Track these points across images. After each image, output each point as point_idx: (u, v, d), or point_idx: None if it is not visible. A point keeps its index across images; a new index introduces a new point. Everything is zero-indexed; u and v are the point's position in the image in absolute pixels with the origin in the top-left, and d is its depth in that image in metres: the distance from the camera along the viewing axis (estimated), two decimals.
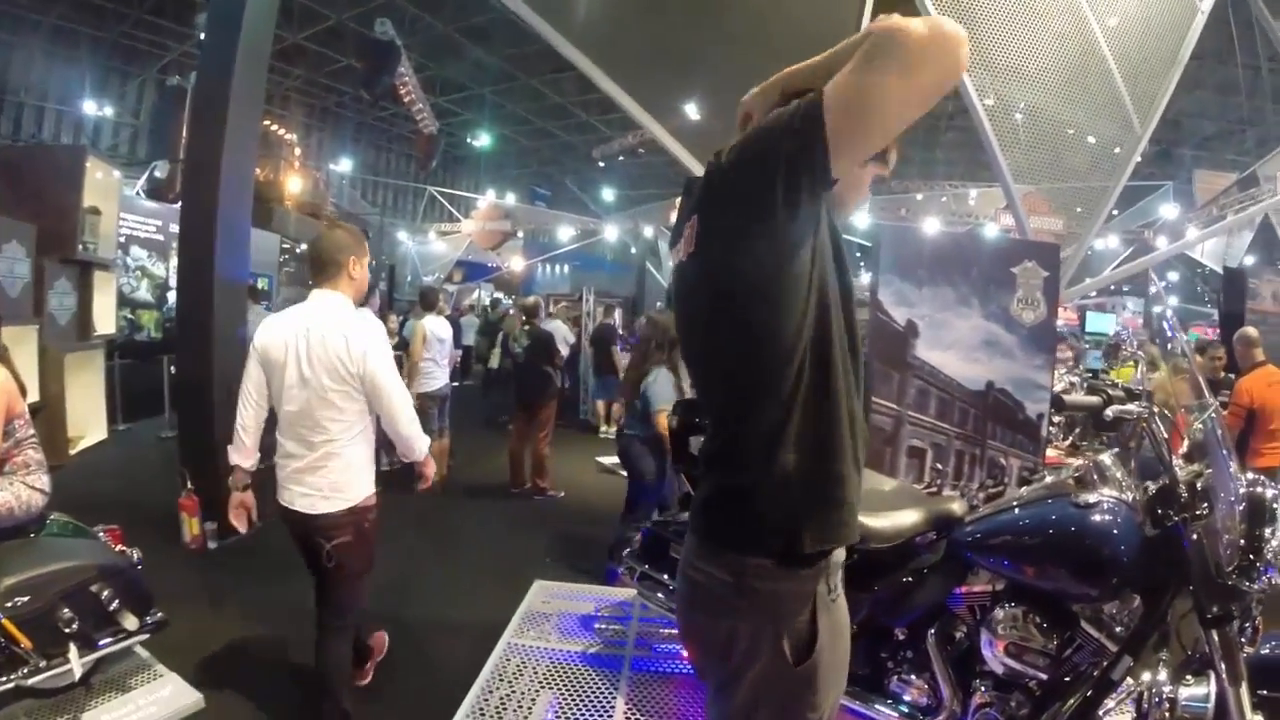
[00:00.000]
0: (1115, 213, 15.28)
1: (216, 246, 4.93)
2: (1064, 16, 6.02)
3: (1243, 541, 2.01)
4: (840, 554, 1.35)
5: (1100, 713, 2.12)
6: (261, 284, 10.72)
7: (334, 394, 2.66)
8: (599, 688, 3.18)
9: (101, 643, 2.89)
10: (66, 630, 2.73)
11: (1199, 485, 2.07)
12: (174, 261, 8.62)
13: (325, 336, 2.64)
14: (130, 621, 2.98)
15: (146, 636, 3.08)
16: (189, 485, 4.86)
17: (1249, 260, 16.08)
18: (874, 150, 1.20)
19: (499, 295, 22.25)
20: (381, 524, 5.42)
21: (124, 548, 3.17)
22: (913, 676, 2.45)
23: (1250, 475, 2.14)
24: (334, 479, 2.74)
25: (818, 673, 1.26)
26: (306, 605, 4.02)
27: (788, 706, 1.29)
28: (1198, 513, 2.03)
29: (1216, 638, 1.97)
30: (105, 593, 2.89)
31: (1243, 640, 2.01)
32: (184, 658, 3.33)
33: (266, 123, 16.02)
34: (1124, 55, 6.27)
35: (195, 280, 5.07)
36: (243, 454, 2.93)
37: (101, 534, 3.18)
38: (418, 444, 2.91)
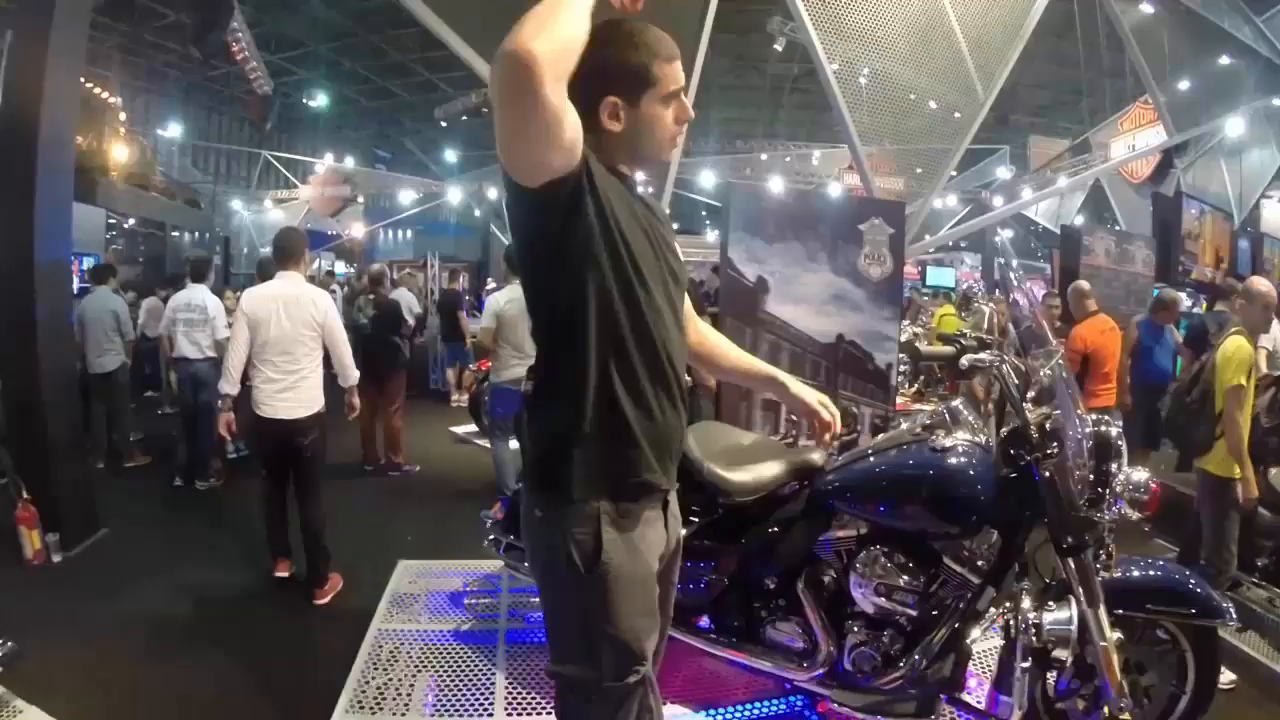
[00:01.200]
0: (954, 174, 16.27)
1: (35, 226, 4.42)
2: None
3: (1092, 477, 2.17)
4: (647, 478, 1.49)
5: (969, 641, 2.26)
6: (87, 264, 9.78)
7: (305, 337, 3.87)
8: (477, 664, 3.15)
9: None
10: None
11: (1048, 426, 2.21)
12: None
13: (299, 299, 3.87)
14: None
15: None
16: (24, 495, 4.39)
17: (1079, 220, 17.50)
18: (539, 158, 1.29)
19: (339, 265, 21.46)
20: (230, 515, 5.09)
21: None
22: (788, 624, 2.53)
23: (1095, 416, 2.31)
24: (307, 394, 3.90)
25: (608, 581, 1.43)
26: (162, 615, 3.78)
27: (587, 611, 1.46)
28: (1048, 452, 2.16)
29: (1073, 565, 2.13)
30: None
31: (1098, 566, 2.18)
32: (43, 688, 3.00)
33: (89, 85, 14.53)
34: (970, 25, 6.59)
35: (12, 264, 4.54)
36: (231, 385, 3.90)
37: None
38: (352, 371, 4.17)
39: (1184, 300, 7.57)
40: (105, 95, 15.64)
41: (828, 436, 1.85)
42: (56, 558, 4.41)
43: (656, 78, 1.44)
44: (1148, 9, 8.87)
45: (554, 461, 1.47)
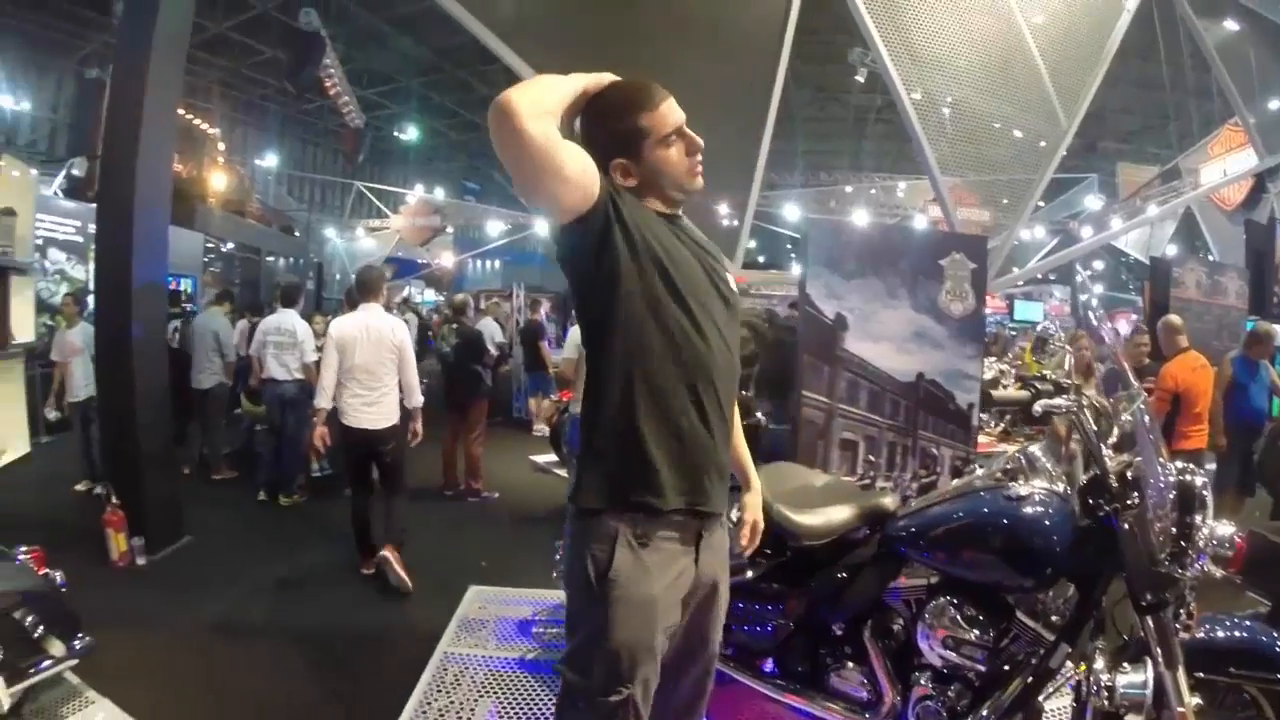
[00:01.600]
0: (1041, 204, 15.73)
1: (133, 249, 4.70)
2: (991, 12, 6.13)
3: (1174, 529, 2.04)
4: (666, 504, 1.57)
5: (1040, 700, 2.15)
6: (185, 286, 10.33)
7: (386, 360, 4.47)
8: (539, 693, 3.15)
9: (30, 671, 2.76)
10: None
11: (1129, 474, 2.10)
12: (93, 264, 8.23)
13: (380, 327, 4.48)
14: (57, 647, 2.87)
15: (75, 662, 2.94)
16: (114, 500, 4.65)
17: (1171, 249, 16.72)
18: (549, 191, 1.47)
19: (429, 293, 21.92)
20: (313, 530, 5.33)
21: (47, 570, 3.06)
22: (853, 672, 2.45)
23: (1179, 464, 2.18)
24: (387, 409, 4.50)
25: (611, 597, 1.52)
26: (236, 621, 3.93)
27: (590, 617, 1.56)
28: (1129, 502, 2.05)
29: (1152, 624, 2.00)
30: (29, 619, 2.77)
31: (1178, 625, 2.04)
32: (116, 682, 3.17)
33: (189, 117, 15.44)
34: (1050, 51, 6.41)
35: (112, 285, 4.84)
36: (325, 400, 4.41)
37: (22, 556, 3.07)
38: (417, 394, 4.67)
39: None
40: (205, 126, 16.58)
41: (744, 545, 1.94)
42: (141, 561, 4.65)
43: (646, 130, 1.59)
44: (1232, 26, 8.46)
45: (582, 476, 1.61)
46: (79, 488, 6.10)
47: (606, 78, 1.61)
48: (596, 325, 1.59)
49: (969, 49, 6.05)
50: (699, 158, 1.66)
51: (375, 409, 4.44)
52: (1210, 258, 13.96)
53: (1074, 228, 17.69)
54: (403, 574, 4.36)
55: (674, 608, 1.60)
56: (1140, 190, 17.09)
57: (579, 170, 1.45)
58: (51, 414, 6.64)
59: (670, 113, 1.61)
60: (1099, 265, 24.49)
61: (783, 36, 5.64)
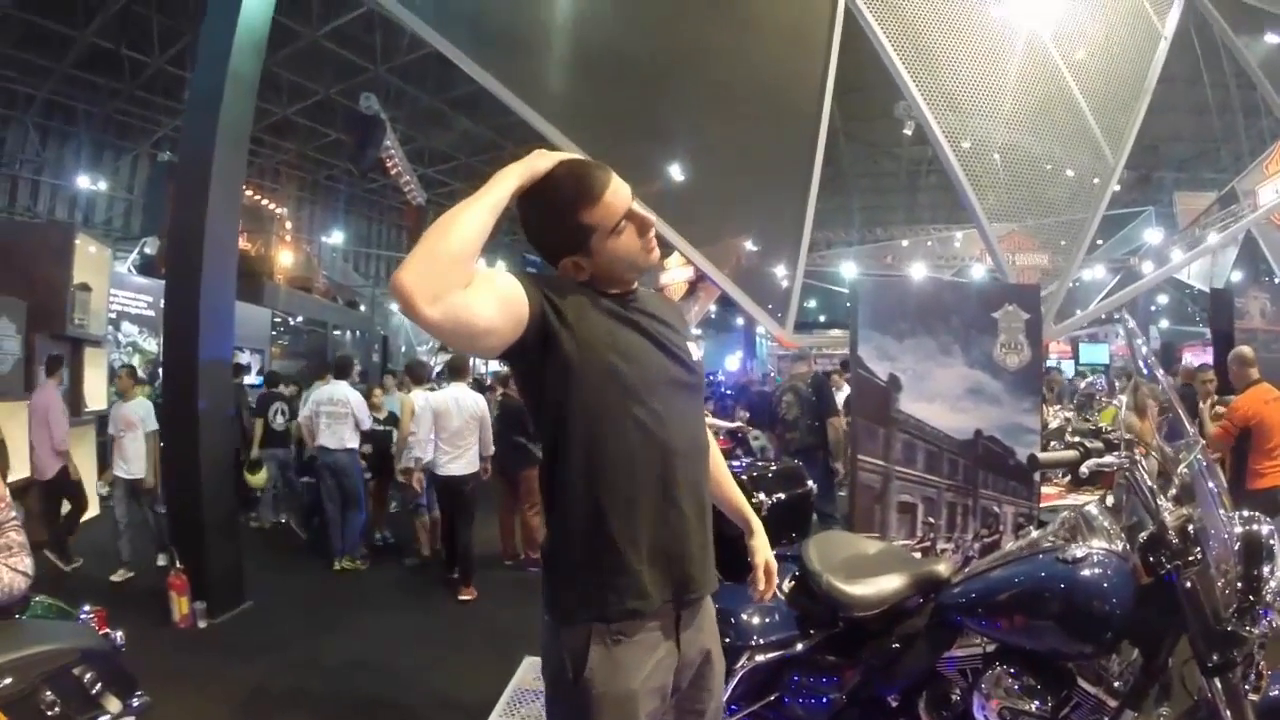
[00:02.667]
0: (1100, 242, 15.38)
1: (200, 325, 4.93)
2: (1029, 54, 6.12)
3: (1240, 584, 1.95)
4: (633, 605, 1.54)
5: None
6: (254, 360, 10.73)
7: (471, 425, 5.77)
8: None
9: None
10: (49, 714, 2.64)
11: (1190, 529, 2.02)
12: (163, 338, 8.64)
13: (467, 401, 5.84)
14: (113, 704, 2.90)
15: (132, 719, 2.99)
16: (177, 564, 4.81)
17: (1235, 276, 16.15)
18: (475, 349, 1.52)
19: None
20: (372, 598, 5.38)
21: (108, 630, 3.12)
22: None
23: (1245, 513, 2.10)
24: (468, 460, 5.79)
25: (590, 695, 1.51)
26: (291, 685, 3.99)
27: (570, 715, 1.56)
28: (1190, 558, 1.97)
29: (1220, 685, 1.90)
30: (88, 675, 2.83)
31: (1247, 686, 1.94)
32: None
33: (256, 197, 16.23)
34: (1092, 87, 6.37)
35: (179, 359, 5.07)
36: (423, 452, 5.71)
37: (85, 614, 3.14)
38: (489, 446, 6.01)
39: None
40: (272, 206, 17.42)
41: (760, 590, 1.88)
42: (202, 624, 4.78)
43: (591, 226, 1.51)
44: (1273, 39, 8.25)
45: (551, 579, 1.61)
46: (115, 578, 5.71)
47: (542, 164, 1.50)
48: (550, 439, 1.55)
49: (1010, 93, 6.04)
50: (652, 234, 1.59)
51: (460, 461, 5.72)
52: (1275, 281, 13.43)
53: (1135, 263, 17.23)
54: (468, 597, 5.58)
55: (655, 694, 1.57)
56: (1199, 218, 16.59)
57: (498, 315, 1.40)
58: (103, 489, 6.70)
59: (615, 200, 1.51)
60: (1163, 299, 23.72)
61: (823, 95, 5.73)
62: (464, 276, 1.36)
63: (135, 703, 2.98)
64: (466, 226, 1.38)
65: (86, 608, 3.21)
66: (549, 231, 1.56)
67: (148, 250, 12.77)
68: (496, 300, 1.40)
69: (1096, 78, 6.39)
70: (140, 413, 6.02)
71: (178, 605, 4.75)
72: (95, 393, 7.67)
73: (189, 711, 3.62)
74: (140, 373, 9.94)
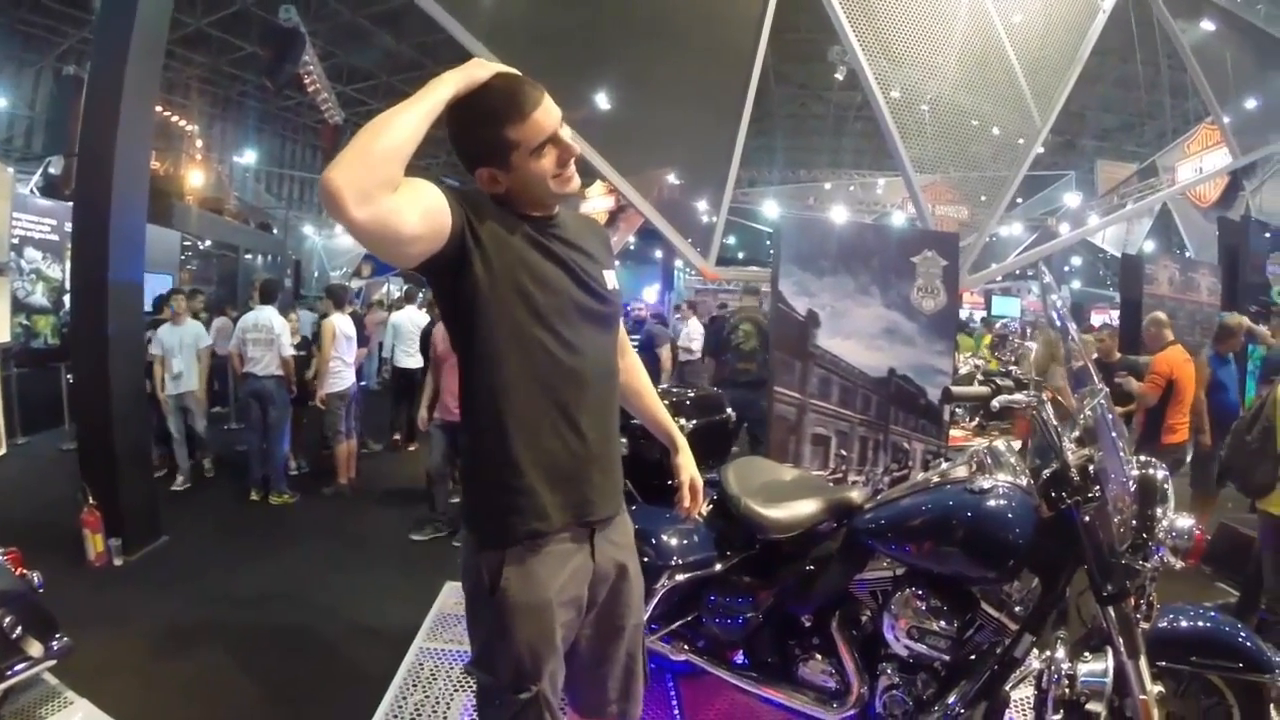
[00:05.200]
0: (1019, 201, 15.86)
1: (110, 247, 4.66)
2: (968, 12, 6.19)
3: (1134, 522, 2.09)
4: (540, 527, 1.59)
5: (1005, 689, 2.19)
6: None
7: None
8: None
9: (7, 672, 2.75)
10: None
11: (1090, 469, 2.14)
12: (70, 263, 8.15)
13: (419, 318, 8.04)
14: (35, 648, 2.85)
15: (53, 663, 2.94)
16: (90, 500, 4.62)
17: (1148, 245, 16.93)
18: (396, 256, 1.42)
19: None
20: (290, 529, 5.32)
21: (24, 571, 3.04)
22: (820, 663, 2.49)
23: (1141, 458, 2.24)
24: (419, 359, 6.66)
25: (506, 606, 1.56)
26: (217, 620, 3.93)
27: (488, 623, 1.60)
28: (1090, 495, 2.10)
29: (1113, 614, 2.05)
30: (6, 619, 2.76)
31: (1139, 615, 2.09)
32: (94, 683, 3.17)
33: (166, 114, 15.30)
34: (1027, 50, 6.48)
35: (89, 283, 4.80)
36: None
37: (0, 557, 3.04)
38: None
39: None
40: (182, 123, 16.45)
41: (685, 507, 1.96)
42: (118, 561, 4.63)
43: (515, 141, 1.49)
44: (1209, 26, 8.58)
45: (467, 497, 1.70)
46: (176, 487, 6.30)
47: (479, 74, 1.47)
48: (463, 358, 1.59)
49: (946, 48, 6.11)
50: (571, 165, 1.59)
51: (414, 359, 7.39)
52: (1186, 254, 14.13)
53: (1052, 224, 17.87)
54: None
55: (570, 605, 1.63)
56: (1118, 187, 17.28)
57: (422, 224, 1.38)
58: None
59: (543, 120, 1.50)
60: (1077, 261, 24.75)
61: (759, 35, 5.69)
62: (394, 178, 1.33)
63: (56, 645, 2.93)
64: (400, 129, 1.35)
65: None
66: (472, 139, 1.53)
67: (52, 170, 11.94)
68: (422, 209, 1.38)
69: (1032, 42, 6.51)
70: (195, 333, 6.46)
71: (92, 543, 4.57)
72: None
73: (111, 652, 3.52)
74: (44, 300, 9.46)
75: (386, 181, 1.31)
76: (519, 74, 1.53)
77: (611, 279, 1.70)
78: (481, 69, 1.49)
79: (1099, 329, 7.11)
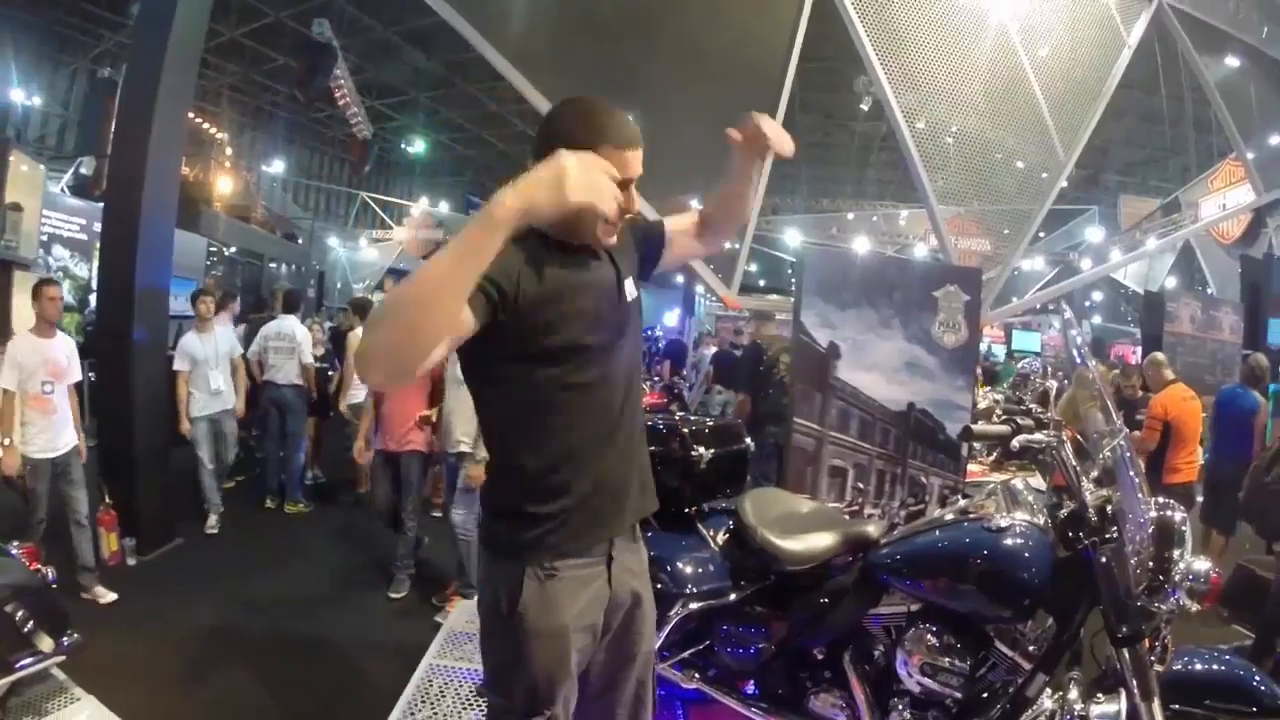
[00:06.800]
0: (1042, 235, 15.79)
1: (138, 254, 4.75)
2: (995, 45, 6.20)
3: (1151, 564, 2.07)
4: (566, 546, 1.60)
5: None
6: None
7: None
8: None
9: (17, 665, 2.81)
10: None
11: (1108, 509, 2.13)
12: (97, 263, 8.27)
13: None
14: (45, 643, 2.91)
15: (63, 658, 2.99)
16: (107, 499, 4.68)
17: (1170, 282, 16.78)
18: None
19: None
20: (304, 538, 5.30)
21: (39, 566, 3.11)
22: (832, 696, 2.48)
23: (1160, 499, 2.22)
24: None
25: (522, 629, 1.56)
26: (227, 625, 3.95)
27: (504, 646, 1.61)
28: (1107, 536, 2.08)
29: (1128, 655, 2.02)
30: (19, 613, 2.82)
31: (1153, 658, 2.06)
32: (102, 680, 3.19)
33: (198, 120, 15.54)
34: (1052, 85, 6.48)
35: (115, 286, 4.89)
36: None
37: (15, 552, 3.10)
38: None
39: None
40: (213, 130, 16.72)
41: (764, 131, 1.69)
42: (131, 561, 4.69)
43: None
44: (1233, 62, 8.55)
45: (488, 516, 1.68)
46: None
47: (543, 198, 1.29)
48: (480, 385, 1.60)
49: (972, 80, 6.11)
50: (618, 221, 1.56)
51: None
52: (1209, 291, 14.00)
53: (1074, 259, 17.78)
54: None
55: (586, 631, 1.63)
56: (1140, 223, 17.18)
57: (448, 347, 1.38)
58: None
59: (632, 162, 1.50)
60: (1098, 297, 24.56)
61: (787, 62, 5.72)
62: (427, 354, 1.30)
63: (66, 641, 2.98)
64: (434, 301, 1.26)
65: (15, 544, 3.14)
66: (562, 134, 1.45)
67: (83, 170, 12.18)
68: (448, 339, 1.37)
69: (1057, 76, 6.50)
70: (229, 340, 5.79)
71: (107, 541, 4.62)
72: (24, 318, 7.35)
73: (122, 649, 3.56)
74: (70, 299, 9.59)
75: (420, 360, 1.30)
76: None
77: (631, 288, 1.69)
78: (553, 190, 1.28)
79: (1117, 368, 7.06)
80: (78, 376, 4.37)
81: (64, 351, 4.23)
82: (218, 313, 5.83)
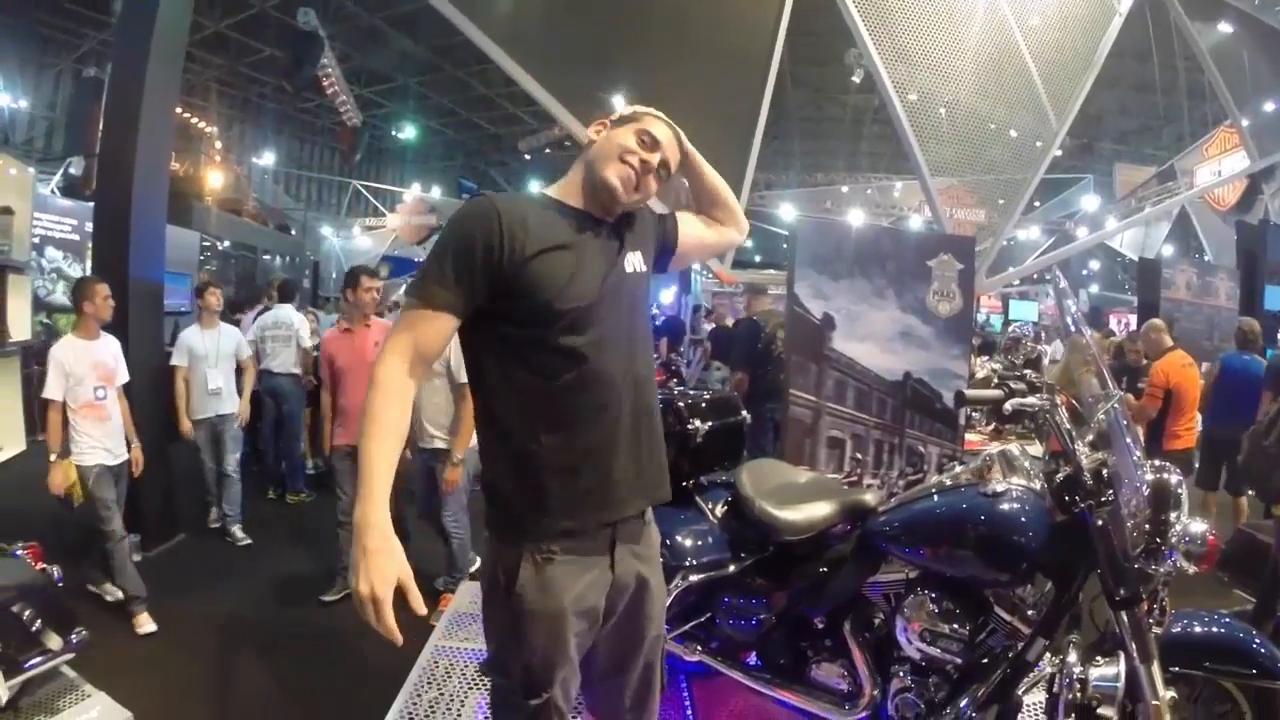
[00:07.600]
0: (1037, 204, 15.77)
1: (130, 249, 4.73)
2: (985, 16, 6.17)
3: (1148, 526, 2.07)
4: (563, 526, 1.59)
5: (1018, 692, 2.19)
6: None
7: None
8: None
9: (27, 664, 2.82)
10: None
11: (1104, 472, 2.13)
12: (90, 263, 8.25)
13: None
14: (54, 641, 2.92)
15: (72, 656, 3.00)
16: None
17: (1166, 250, 16.77)
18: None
19: None
20: (306, 527, 5.30)
21: (44, 565, 3.13)
22: (833, 665, 2.50)
23: (1155, 462, 2.22)
24: None
25: (521, 610, 1.57)
26: (233, 617, 3.97)
27: (503, 627, 1.62)
28: (1103, 499, 2.08)
29: (1126, 618, 2.03)
30: (27, 613, 2.83)
31: (1151, 620, 2.07)
32: (111, 676, 3.21)
33: (186, 115, 15.47)
34: (1043, 54, 6.46)
35: (109, 284, 4.85)
36: None
37: (20, 552, 3.13)
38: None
39: None
40: (202, 124, 16.65)
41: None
42: (136, 557, 4.66)
43: (638, 114, 1.68)
44: (1226, 29, 8.51)
45: (490, 497, 1.66)
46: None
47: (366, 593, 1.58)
48: (477, 365, 1.62)
49: (963, 51, 6.09)
50: (637, 168, 1.63)
51: None
52: (1205, 258, 13.99)
53: (1070, 228, 17.75)
54: None
55: (584, 616, 1.61)
56: (1136, 191, 17.13)
57: (439, 358, 1.65)
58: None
59: (655, 127, 1.68)
60: (1095, 265, 24.54)
61: (775, 38, 5.70)
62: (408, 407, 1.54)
63: (75, 639, 2.99)
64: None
65: (20, 544, 3.15)
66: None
67: (72, 171, 12.15)
68: (429, 361, 1.57)
69: (1049, 45, 6.48)
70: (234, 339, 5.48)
71: None
72: (19, 322, 7.32)
73: (130, 646, 3.59)
74: (65, 299, 9.57)
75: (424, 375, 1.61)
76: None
77: (634, 262, 1.70)
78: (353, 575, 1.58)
79: (1128, 340, 7.05)
80: (126, 378, 4.18)
81: (111, 352, 4.08)
82: (246, 311, 5.77)
